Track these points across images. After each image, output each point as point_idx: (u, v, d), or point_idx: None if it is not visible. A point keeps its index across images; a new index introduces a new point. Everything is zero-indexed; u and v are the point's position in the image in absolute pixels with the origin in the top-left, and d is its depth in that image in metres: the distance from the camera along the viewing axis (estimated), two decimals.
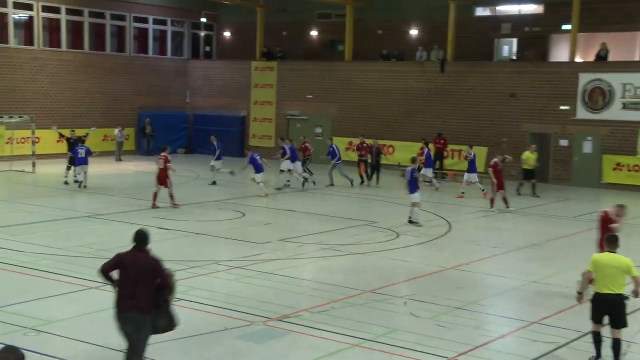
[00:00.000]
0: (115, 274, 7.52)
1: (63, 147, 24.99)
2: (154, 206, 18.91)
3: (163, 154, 19.51)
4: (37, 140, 26.81)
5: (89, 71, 31.58)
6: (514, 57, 29.87)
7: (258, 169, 21.57)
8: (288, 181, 23.64)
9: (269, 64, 33.27)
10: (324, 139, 30.52)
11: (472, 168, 22.77)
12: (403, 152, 28.86)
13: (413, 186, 17.74)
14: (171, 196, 19.19)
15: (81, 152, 22.16)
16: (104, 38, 32.56)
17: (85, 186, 22.06)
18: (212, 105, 34.67)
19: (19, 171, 25.46)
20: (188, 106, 35.39)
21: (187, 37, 35.79)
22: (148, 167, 24.87)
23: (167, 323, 7.39)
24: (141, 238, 7.37)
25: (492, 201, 20.42)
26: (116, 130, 30.66)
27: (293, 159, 23.53)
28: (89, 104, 31.45)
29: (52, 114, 29.87)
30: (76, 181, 22.47)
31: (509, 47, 30.43)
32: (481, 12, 30.58)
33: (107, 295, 11.00)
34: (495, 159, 20.56)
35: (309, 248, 15.14)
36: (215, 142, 23.84)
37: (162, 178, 19.10)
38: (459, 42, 29.48)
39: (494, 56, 30.18)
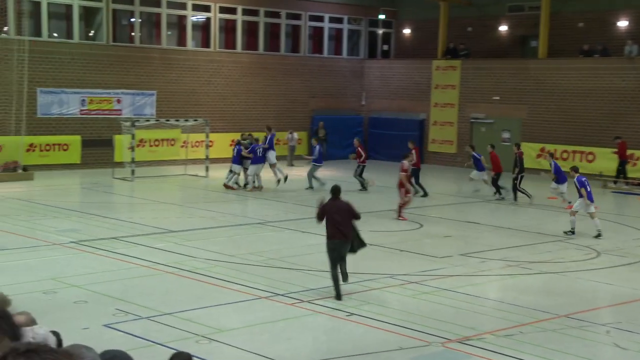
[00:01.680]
0: None
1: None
2: (401, 217, 19.34)
3: (404, 161, 20.19)
4: (211, 143, 28.48)
5: (263, 73, 33.00)
6: None
7: (255, 160, 23.72)
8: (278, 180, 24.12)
9: (452, 62, 32.95)
10: (511, 144, 29.63)
11: (561, 178, 21.24)
12: (605, 160, 27.42)
13: (590, 195, 17.43)
14: (399, 206, 19.58)
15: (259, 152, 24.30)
16: (279, 38, 33.91)
17: (237, 184, 24.36)
18: (389, 107, 34.93)
19: (193, 175, 27.15)
20: (363, 109, 35.92)
21: (364, 36, 36.38)
22: (320, 172, 25.51)
23: (359, 245, 11.92)
24: (336, 190, 12.00)
25: None
26: (288, 134, 31.69)
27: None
28: (262, 107, 32.84)
29: (226, 117, 31.58)
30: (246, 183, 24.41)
31: None
32: None
33: (277, 306, 11.46)
34: None
35: (493, 264, 14.80)
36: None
37: (402, 186, 19.68)
38: None
39: None
